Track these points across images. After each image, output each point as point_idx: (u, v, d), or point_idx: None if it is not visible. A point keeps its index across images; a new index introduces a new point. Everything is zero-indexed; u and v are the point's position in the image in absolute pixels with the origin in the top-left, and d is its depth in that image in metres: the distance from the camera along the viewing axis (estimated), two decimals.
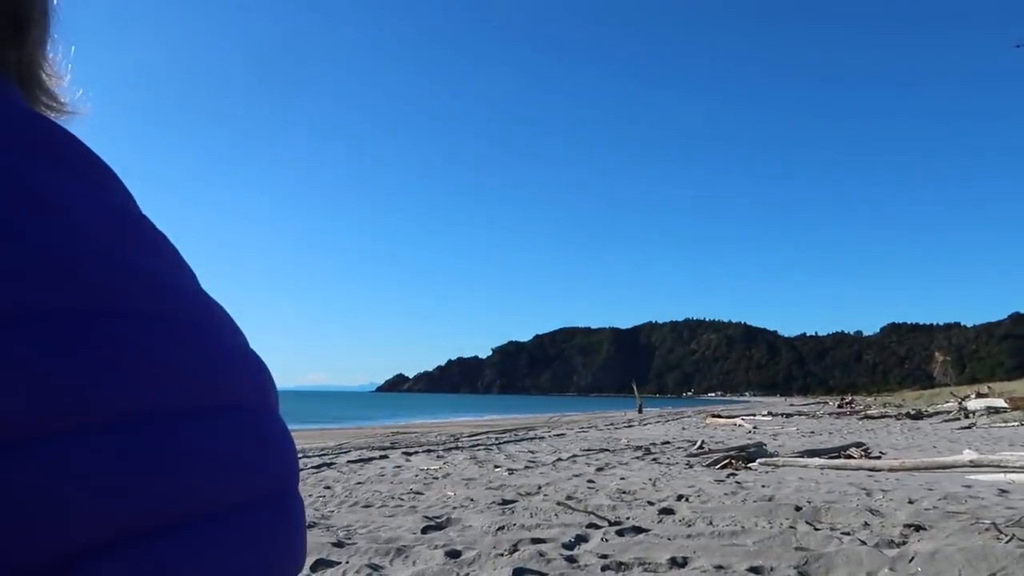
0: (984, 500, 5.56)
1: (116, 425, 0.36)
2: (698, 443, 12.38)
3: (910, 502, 5.47)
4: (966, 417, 21.27)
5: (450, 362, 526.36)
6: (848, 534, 4.28)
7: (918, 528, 4.38)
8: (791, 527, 4.57)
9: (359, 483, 7.47)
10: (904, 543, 4.02)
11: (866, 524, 4.60)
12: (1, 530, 0.33)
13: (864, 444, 11.64)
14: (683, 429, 19.20)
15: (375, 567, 3.75)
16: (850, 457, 9.69)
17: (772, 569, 3.56)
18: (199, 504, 0.38)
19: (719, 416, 24.68)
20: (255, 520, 0.41)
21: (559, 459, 10.02)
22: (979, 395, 28.07)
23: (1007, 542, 3.77)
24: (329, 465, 9.37)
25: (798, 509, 5.13)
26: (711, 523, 4.81)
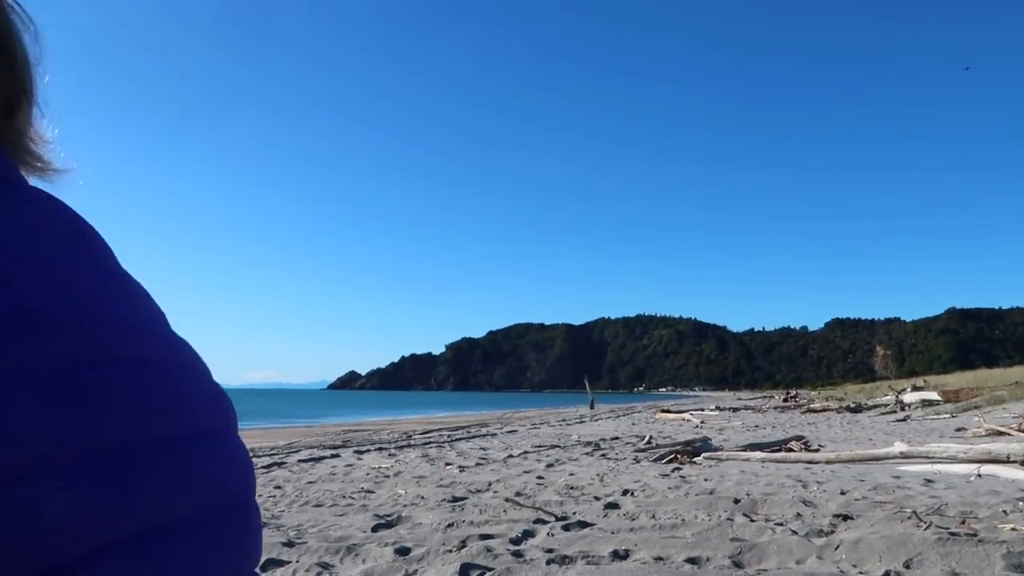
0: (910, 490, 5.87)
1: (97, 454, 0.46)
2: (646, 438, 12.65)
3: (842, 493, 5.74)
4: (902, 410, 22.08)
5: (403, 359, 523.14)
6: (781, 524, 4.49)
7: (846, 518, 4.63)
8: (729, 519, 4.77)
9: (310, 482, 7.48)
10: (832, 532, 4.25)
11: (799, 515, 4.84)
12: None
13: (804, 437, 12.05)
14: (633, 424, 19.53)
15: (325, 566, 3.82)
16: (790, 450, 10.04)
17: (708, 559, 3.74)
18: (174, 516, 0.48)
19: (668, 411, 25.15)
20: (223, 527, 0.52)
21: (510, 456, 10.16)
22: (915, 388, 29.16)
23: (925, 529, 4.02)
24: (279, 464, 9.34)
25: (736, 502, 5.35)
26: (654, 516, 4.99)
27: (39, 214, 0.53)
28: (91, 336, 0.49)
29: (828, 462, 8.39)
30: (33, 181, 0.59)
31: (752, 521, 4.67)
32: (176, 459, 0.50)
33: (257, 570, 0.58)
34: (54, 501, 0.43)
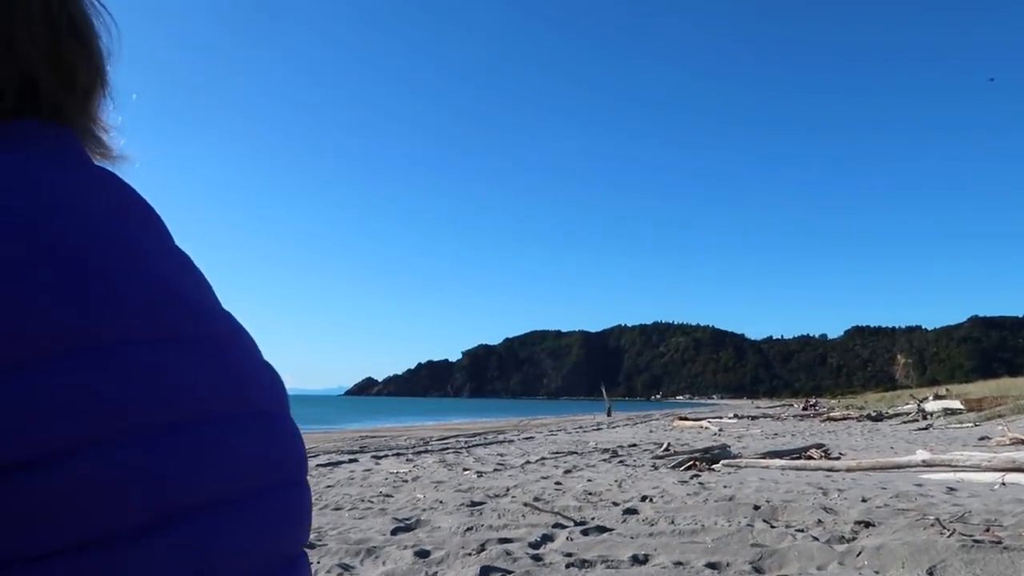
0: (933, 498, 5.81)
1: (163, 430, 0.49)
2: (664, 445, 12.59)
3: (863, 500, 5.70)
4: (924, 419, 21.83)
5: (420, 365, 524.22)
6: (802, 531, 4.47)
7: (868, 524, 4.59)
8: (749, 525, 4.75)
9: (328, 486, 7.52)
10: (854, 538, 4.21)
11: (819, 521, 4.80)
12: None
13: (824, 445, 11.94)
14: (650, 432, 19.46)
15: (346, 567, 3.84)
16: (810, 458, 9.96)
17: (728, 565, 3.72)
18: (235, 488, 0.51)
19: (686, 419, 25.03)
20: (279, 500, 0.54)
21: (528, 462, 10.16)
22: (937, 397, 28.80)
23: (948, 536, 3.98)
24: None
25: (756, 508, 5.32)
26: (673, 522, 4.98)
27: (115, 192, 0.56)
28: (168, 314, 0.51)
29: (849, 470, 8.32)
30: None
31: (772, 527, 4.65)
32: (237, 436, 0.52)
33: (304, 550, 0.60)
34: (125, 467, 0.46)
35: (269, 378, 0.59)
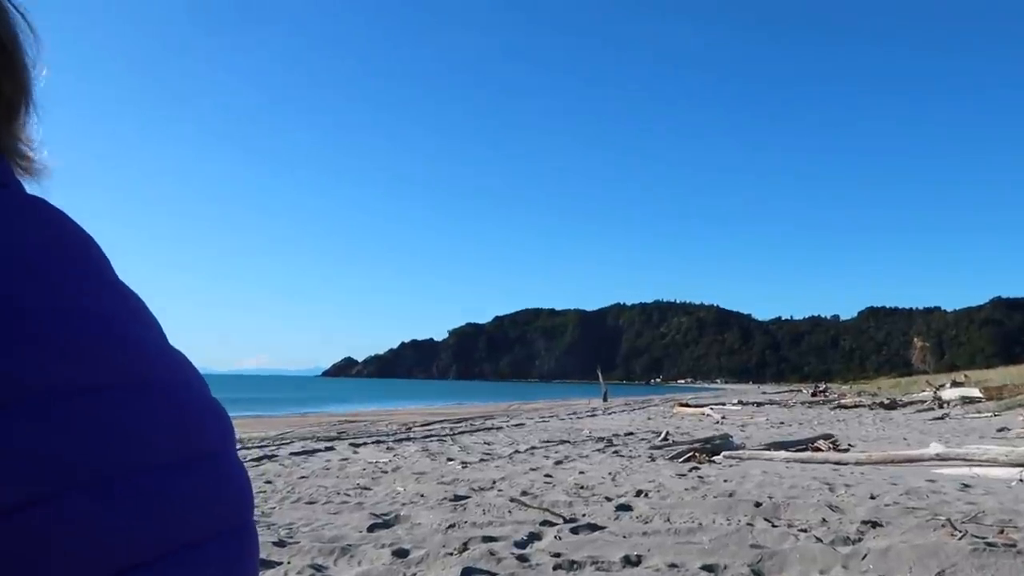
0: (946, 495, 5.89)
1: (103, 481, 0.48)
2: (663, 434, 12.70)
3: (871, 497, 5.77)
4: (940, 407, 22.06)
5: (403, 345, 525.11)
6: (805, 531, 4.52)
7: (875, 524, 4.65)
8: (749, 524, 4.81)
9: (302, 477, 7.56)
10: (859, 540, 4.27)
11: (824, 520, 4.86)
12: None
13: (833, 436, 12.07)
14: (648, 419, 19.61)
15: (318, 568, 3.87)
16: (817, 450, 10.07)
17: (725, 567, 3.77)
18: (177, 539, 0.51)
19: (687, 405, 25.22)
20: (223, 549, 0.54)
21: (516, 451, 10.23)
22: (955, 384, 29.10)
23: (960, 539, 4.03)
24: (270, 458, 9.44)
25: (758, 505, 5.38)
26: (668, 520, 5.03)
27: (48, 224, 0.55)
28: (110, 357, 0.51)
29: (858, 463, 8.42)
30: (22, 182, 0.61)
31: (774, 526, 4.70)
32: (180, 483, 0.52)
33: None
34: (71, 524, 0.46)
35: (217, 417, 0.59)
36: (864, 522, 4.72)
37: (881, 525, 4.63)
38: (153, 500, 0.50)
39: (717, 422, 17.96)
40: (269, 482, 7.21)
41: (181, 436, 0.53)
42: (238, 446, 11.08)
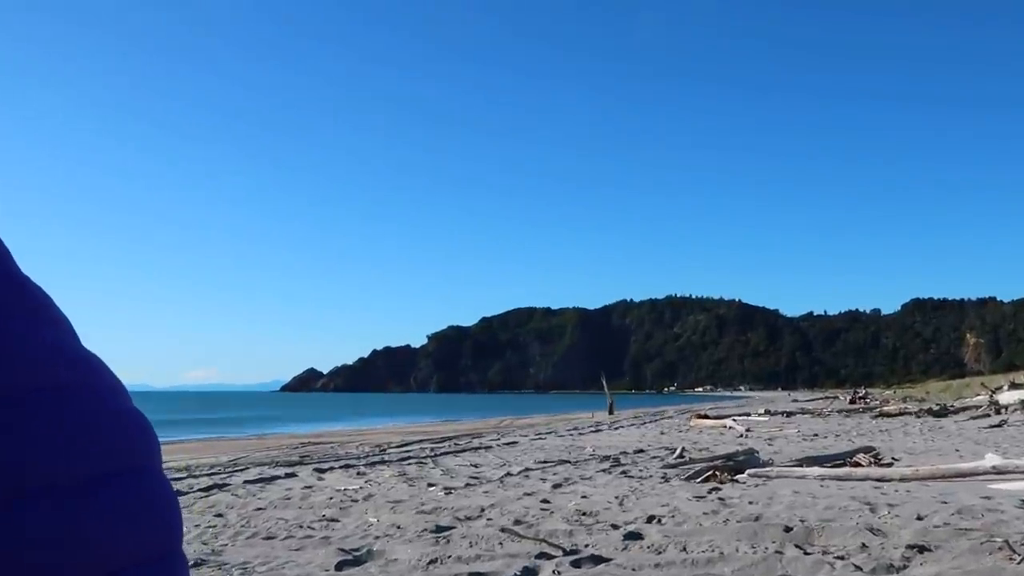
0: (1003, 514, 5.94)
1: (15, 502, 0.49)
2: (677, 451, 12.75)
3: (918, 518, 5.81)
4: (997, 413, 22.24)
5: (375, 353, 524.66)
6: (842, 558, 4.56)
7: (923, 549, 4.69)
8: (778, 551, 4.84)
9: (259, 509, 7.55)
10: (905, 567, 4.31)
11: (864, 546, 4.90)
12: None
13: (874, 449, 12.13)
14: (661, 433, 19.68)
15: None
16: (856, 465, 10.13)
17: None
18: (90, 567, 0.51)
19: (706, 416, 25.31)
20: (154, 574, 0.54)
21: (508, 474, 10.25)
22: (1014, 385, 29.34)
23: (1020, 563, 4.08)
24: (221, 487, 9.42)
25: (788, 530, 5.42)
26: (685, 549, 5.06)
27: None
28: (14, 365, 0.51)
29: (903, 479, 8.47)
30: None
31: (806, 554, 4.74)
32: (93, 504, 0.52)
33: None
34: None
35: (139, 429, 0.59)
36: (910, 546, 4.76)
37: (930, 550, 4.67)
38: (61, 523, 0.50)
39: (740, 435, 18.03)
40: (220, 515, 7.20)
41: (96, 450, 0.53)
42: (183, 475, 11.07)
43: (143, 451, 0.59)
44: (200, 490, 9.14)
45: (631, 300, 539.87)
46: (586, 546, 5.25)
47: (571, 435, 20.03)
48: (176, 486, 9.25)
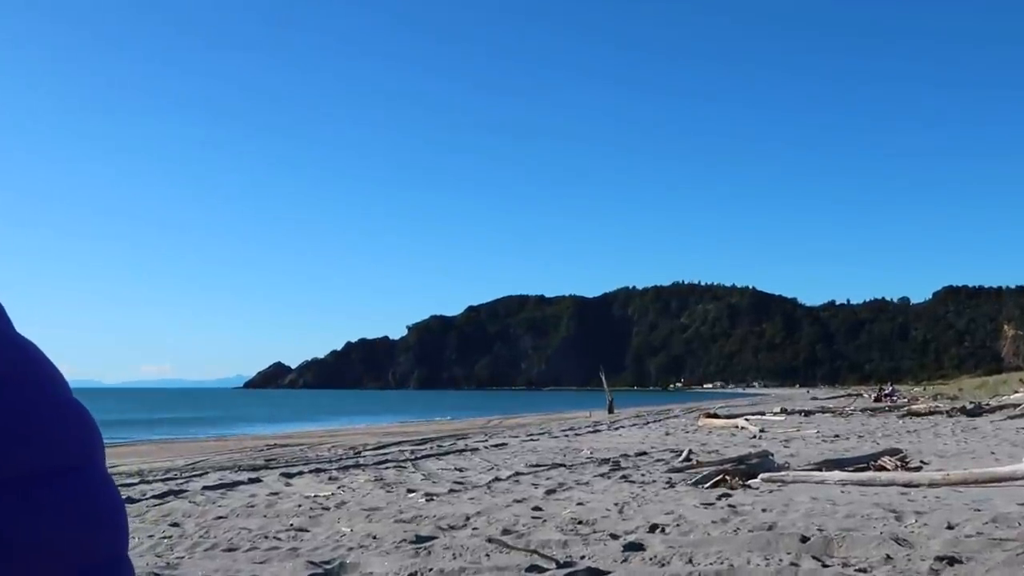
0: None
1: None
2: (684, 454, 12.79)
3: (949, 527, 5.85)
4: None
5: (349, 346, 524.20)
6: (865, 571, 4.59)
7: (953, 561, 4.72)
8: (793, 564, 4.86)
9: (220, 518, 7.54)
10: None
11: (889, 558, 4.93)
12: None
13: (901, 451, 12.20)
14: (666, 434, 19.75)
15: None
16: (881, 469, 10.18)
17: None
18: (26, 574, 0.50)
19: (715, 415, 25.40)
20: None
21: (497, 479, 10.27)
22: None
23: None
24: (177, 493, 9.41)
25: (805, 540, 5.44)
26: (691, 561, 5.07)
27: None
28: None
29: (932, 484, 8.51)
30: None
31: (825, 566, 4.76)
32: (27, 505, 0.51)
33: None
34: None
35: (81, 424, 0.58)
36: (939, 558, 4.78)
37: (961, 562, 4.70)
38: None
39: (754, 436, 18.11)
40: (176, 524, 7.19)
41: (34, 443, 0.53)
42: (135, 480, 11.04)
43: (86, 447, 0.59)
44: (154, 497, 9.13)
45: (633, 287, 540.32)
46: (582, 558, 5.26)
47: (566, 436, 20.08)
48: (127, 493, 9.24)
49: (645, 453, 13.90)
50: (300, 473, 11.62)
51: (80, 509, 0.56)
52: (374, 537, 6.25)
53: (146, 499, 8.94)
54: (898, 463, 10.79)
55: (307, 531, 6.70)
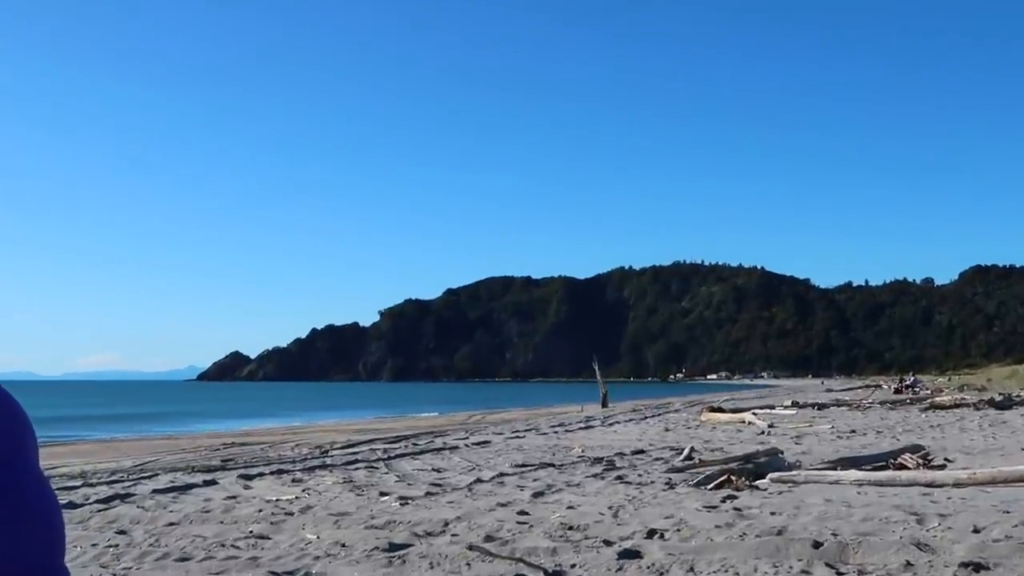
0: None
1: None
2: (685, 452, 12.83)
3: (975, 531, 5.89)
4: None
5: (315, 333, 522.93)
6: None
7: (979, 567, 4.76)
8: (804, 571, 4.90)
9: (171, 524, 7.53)
10: None
11: (909, 564, 4.97)
12: None
13: (924, 448, 12.28)
14: (666, 430, 19.81)
15: None
16: (902, 467, 10.24)
17: None
18: None
19: (720, 409, 25.50)
20: None
21: (479, 480, 10.28)
22: None
23: None
24: (124, 498, 9.39)
25: (817, 546, 5.48)
26: (692, 570, 5.10)
27: None
28: None
29: (957, 484, 8.57)
30: None
31: (839, 574, 4.79)
32: None
33: None
34: None
35: (9, 414, 0.58)
36: (964, 564, 4.83)
37: (987, 568, 4.74)
38: None
39: (762, 432, 18.17)
40: (123, 532, 7.18)
41: None
42: (78, 483, 10.98)
43: (14, 440, 0.59)
44: (98, 501, 9.10)
45: (629, 268, 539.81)
46: (572, 566, 5.28)
47: (556, 433, 20.09)
48: (68, 497, 9.22)
49: (642, 451, 13.94)
50: (260, 475, 11.61)
51: (7, 509, 0.56)
52: (343, 545, 6.26)
53: (89, 504, 8.91)
54: (920, 461, 10.84)
55: (268, 539, 6.69)
